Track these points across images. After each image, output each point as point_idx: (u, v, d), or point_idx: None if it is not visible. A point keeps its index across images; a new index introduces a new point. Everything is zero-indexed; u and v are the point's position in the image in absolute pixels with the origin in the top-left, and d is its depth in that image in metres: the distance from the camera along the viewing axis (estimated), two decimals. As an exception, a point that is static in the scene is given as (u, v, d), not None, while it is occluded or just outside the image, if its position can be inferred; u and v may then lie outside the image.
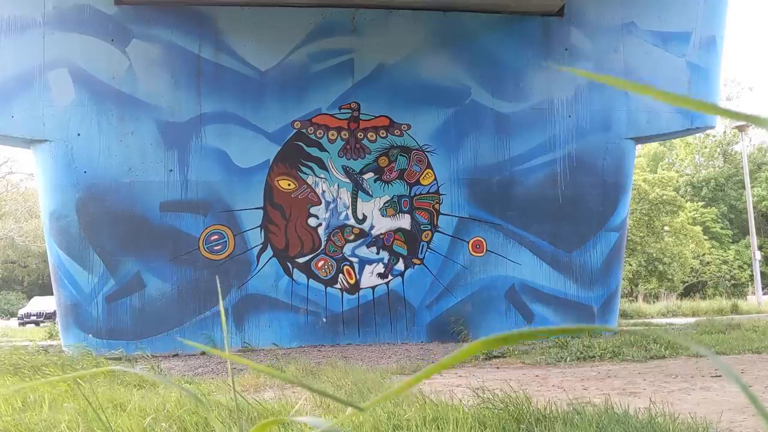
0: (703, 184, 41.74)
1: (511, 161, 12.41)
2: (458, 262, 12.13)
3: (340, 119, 12.14)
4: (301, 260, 11.80)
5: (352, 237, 12.00)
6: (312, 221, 11.93)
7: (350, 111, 12.18)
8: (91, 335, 10.86)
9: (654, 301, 27.24)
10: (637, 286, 33.67)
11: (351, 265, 11.94)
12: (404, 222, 12.16)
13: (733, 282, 36.24)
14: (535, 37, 12.66)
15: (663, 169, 39.99)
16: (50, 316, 26.31)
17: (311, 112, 12.06)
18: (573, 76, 12.60)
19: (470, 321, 11.91)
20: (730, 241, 39.01)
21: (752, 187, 34.92)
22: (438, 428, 3.36)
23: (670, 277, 33.03)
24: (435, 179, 12.28)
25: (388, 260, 12.03)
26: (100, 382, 6.07)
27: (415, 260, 12.10)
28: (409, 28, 12.41)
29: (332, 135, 12.12)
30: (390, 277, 12.00)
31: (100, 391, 4.69)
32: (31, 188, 39.13)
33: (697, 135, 39.98)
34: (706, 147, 43.99)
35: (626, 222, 13.17)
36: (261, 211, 11.78)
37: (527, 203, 12.34)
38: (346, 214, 12.03)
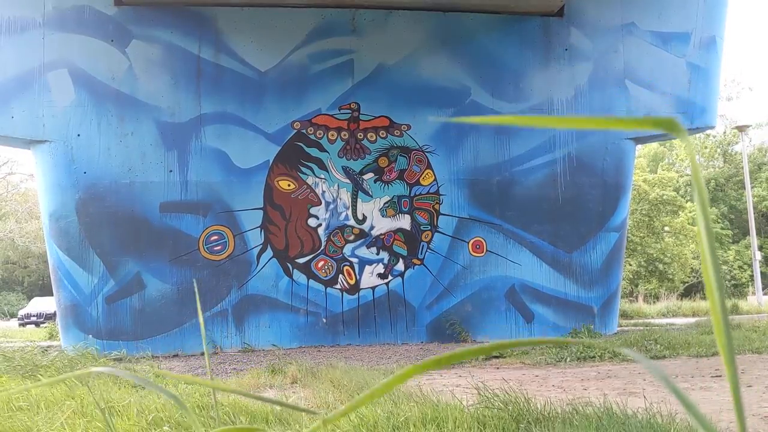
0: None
1: (511, 162, 12.41)
2: (458, 263, 12.13)
3: (340, 120, 12.14)
4: (301, 261, 11.79)
5: (352, 237, 11.99)
6: (312, 222, 11.92)
7: (350, 111, 12.18)
8: (91, 336, 10.86)
9: (654, 302, 27.20)
10: (637, 286, 33.64)
11: (351, 265, 11.94)
12: (404, 222, 12.16)
13: (733, 282, 36.21)
14: (535, 38, 12.66)
15: (663, 170, 39.94)
16: (50, 317, 26.30)
17: (311, 113, 12.06)
18: (573, 76, 12.61)
19: (470, 321, 11.91)
20: (731, 241, 38.98)
21: (752, 188, 34.91)
22: (437, 428, 3.35)
23: (670, 277, 33.00)
24: (435, 180, 12.28)
25: (388, 261, 12.03)
26: (100, 382, 6.07)
27: (415, 260, 12.09)
28: (409, 29, 12.41)
29: (332, 135, 12.12)
30: (390, 278, 12.00)
31: (99, 392, 4.69)
32: (31, 189, 39.12)
33: (698, 135, 39.94)
34: (706, 147, 43.95)
35: (626, 222, 13.17)
36: (261, 212, 11.78)
37: (527, 204, 12.34)
38: (346, 215, 12.03)
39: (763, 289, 25.93)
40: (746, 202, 29.18)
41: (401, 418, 3.45)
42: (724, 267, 36.40)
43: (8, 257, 41.39)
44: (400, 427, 3.39)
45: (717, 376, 6.27)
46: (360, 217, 12.07)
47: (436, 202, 12.25)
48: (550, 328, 12.00)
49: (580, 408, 3.63)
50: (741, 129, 29.55)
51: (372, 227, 12.08)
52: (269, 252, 11.73)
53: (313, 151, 12.05)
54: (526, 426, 3.38)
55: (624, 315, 19.00)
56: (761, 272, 26.79)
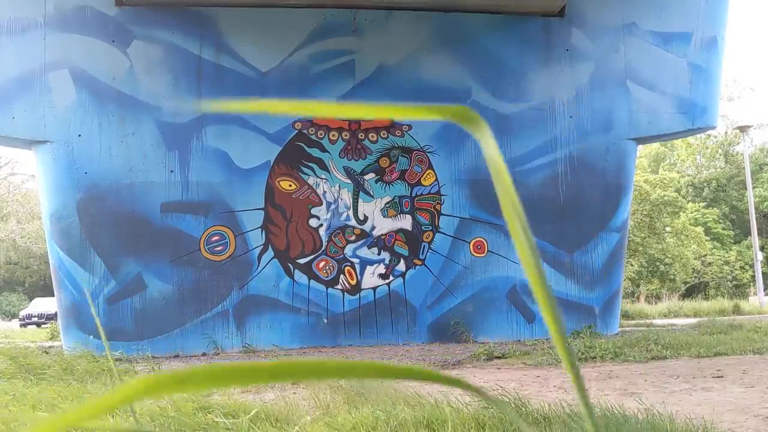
0: (705, 184, 41.68)
1: (512, 162, 12.38)
2: (459, 263, 12.12)
3: (341, 120, 12.13)
4: (302, 261, 11.79)
5: (353, 238, 11.98)
6: (313, 222, 11.92)
7: (351, 112, 12.15)
8: (91, 336, 10.85)
9: (656, 302, 27.18)
10: (638, 286, 33.61)
11: (352, 265, 11.93)
12: (405, 223, 12.15)
13: (734, 283, 36.15)
14: (536, 38, 12.65)
15: (664, 170, 39.94)
16: (51, 318, 26.32)
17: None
18: (574, 76, 12.60)
19: (471, 322, 11.89)
20: (732, 241, 38.95)
21: (754, 188, 34.86)
22: (437, 429, 3.35)
23: (671, 277, 32.99)
24: (436, 180, 12.27)
25: (389, 261, 12.02)
26: (101, 383, 6.07)
27: (416, 261, 12.08)
28: (410, 29, 12.41)
29: (333, 136, 12.11)
30: (391, 278, 11.99)
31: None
32: (32, 189, 39.16)
33: (699, 135, 39.92)
34: (707, 148, 43.92)
35: (627, 223, 13.15)
36: (262, 212, 11.77)
37: (528, 204, 12.31)
38: (347, 215, 12.02)
39: (764, 290, 25.89)
40: (748, 202, 29.14)
41: (400, 419, 3.44)
42: (726, 267, 36.35)
43: (10, 258, 41.43)
44: (399, 428, 3.38)
45: (718, 377, 6.26)
46: (361, 217, 12.06)
47: (438, 203, 12.24)
48: (551, 329, 11.97)
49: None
50: (742, 129, 29.53)
51: (373, 227, 12.07)
52: (270, 252, 11.72)
53: (314, 152, 12.04)
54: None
55: (625, 315, 18.99)
56: (763, 273, 26.75)
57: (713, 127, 13.92)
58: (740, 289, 35.27)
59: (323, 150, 12.06)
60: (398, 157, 12.25)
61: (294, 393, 5.79)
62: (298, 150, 11.98)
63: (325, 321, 11.72)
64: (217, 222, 11.61)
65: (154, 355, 9.84)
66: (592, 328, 11.79)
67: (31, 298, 37.67)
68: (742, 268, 36.64)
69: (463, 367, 8.12)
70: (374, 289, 11.93)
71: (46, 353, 8.84)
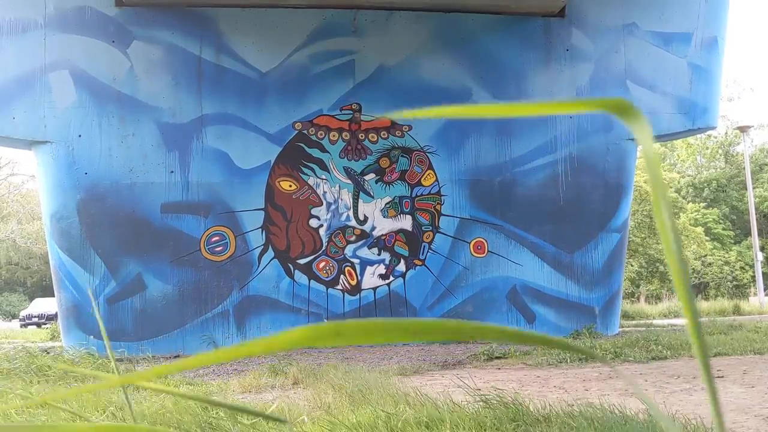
0: (705, 185, 41.69)
1: (513, 162, 12.39)
2: (459, 263, 12.11)
3: (341, 120, 12.13)
4: (302, 261, 11.79)
5: (353, 238, 11.98)
6: (313, 222, 11.92)
7: (351, 112, 12.18)
8: (92, 337, 10.85)
9: (656, 302, 27.19)
10: (638, 287, 33.61)
11: (352, 266, 11.93)
12: (405, 223, 12.15)
13: (735, 283, 36.14)
14: (536, 38, 12.65)
15: (664, 170, 39.93)
16: (52, 318, 26.33)
17: (312, 113, 12.05)
18: (574, 77, 12.60)
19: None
20: (732, 242, 38.95)
21: (754, 188, 34.86)
22: (436, 429, 3.34)
23: (671, 278, 32.96)
24: (436, 180, 12.27)
25: (390, 261, 12.01)
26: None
27: (417, 261, 12.08)
28: (410, 29, 12.41)
29: (333, 136, 12.11)
30: (391, 278, 11.98)
31: (100, 394, 4.69)
32: (32, 190, 39.16)
33: (699, 136, 39.94)
34: (707, 148, 43.93)
35: (628, 223, 13.14)
36: (262, 213, 11.77)
37: (528, 204, 12.32)
38: (348, 215, 12.02)
39: (765, 290, 25.88)
40: (748, 202, 29.16)
41: (400, 420, 3.44)
42: (726, 268, 36.35)
43: (10, 258, 41.44)
44: (398, 428, 3.38)
45: (719, 377, 6.25)
46: (361, 217, 12.06)
47: (438, 203, 12.24)
48: (551, 329, 11.98)
49: (582, 409, 3.62)
50: (742, 130, 29.54)
51: (373, 228, 12.07)
52: (270, 253, 11.72)
53: (315, 152, 12.04)
54: (525, 427, 3.37)
55: (626, 316, 18.99)
56: (763, 273, 26.75)
57: (713, 128, 13.93)
58: (740, 290, 35.26)
59: (323, 150, 12.06)
60: (398, 158, 12.25)
61: (294, 393, 5.79)
62: (298, 150, 11.98)
63: (325, 321, 11.70)
64: (218, 222, 11.61)
65: (154, 355, 9.86)
66: (592, 329, 11.79)
67: (31, 299, 37.69)
68: (742, 268, 36.64)
69: (463, 367, 8.12)
70: (374, 289, 11.94)
71: (47, 354, 8.84)
